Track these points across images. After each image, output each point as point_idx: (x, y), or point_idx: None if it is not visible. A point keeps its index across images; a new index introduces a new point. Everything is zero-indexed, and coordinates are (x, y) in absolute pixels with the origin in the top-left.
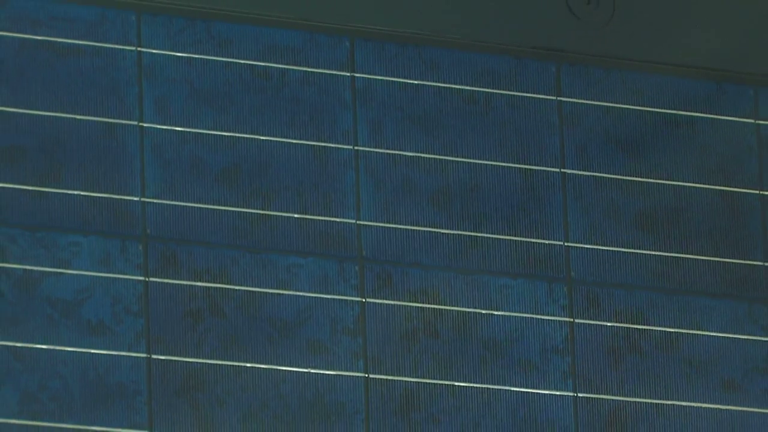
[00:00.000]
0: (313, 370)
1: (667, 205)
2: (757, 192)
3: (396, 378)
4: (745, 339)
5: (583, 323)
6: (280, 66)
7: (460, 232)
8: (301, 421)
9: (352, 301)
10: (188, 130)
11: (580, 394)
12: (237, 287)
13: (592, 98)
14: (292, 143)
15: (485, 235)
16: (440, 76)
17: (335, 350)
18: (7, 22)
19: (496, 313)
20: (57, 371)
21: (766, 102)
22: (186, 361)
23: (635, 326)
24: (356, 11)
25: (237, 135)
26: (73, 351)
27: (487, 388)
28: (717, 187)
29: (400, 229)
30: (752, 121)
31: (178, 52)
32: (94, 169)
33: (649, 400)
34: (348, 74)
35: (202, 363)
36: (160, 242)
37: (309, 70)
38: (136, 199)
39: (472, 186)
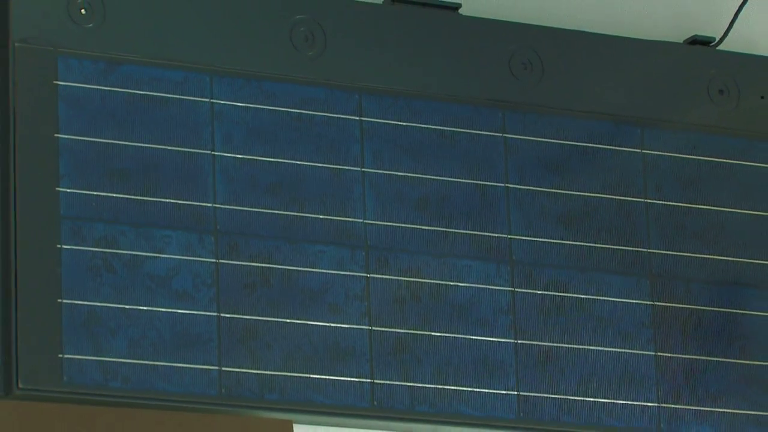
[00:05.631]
0: (332, 324)
1: (580, 210)
2: (642, 200)
3: (391, 330)
4: (635, 303)
5: (522, 292)
6: (310, 112)
7: (435, 228)
8: (324, 360)
9: (360, 276)
10: (246, 157)
11: (519, 341)
12: (280, 266)
13: (527, 135)
14: (318, 166)
15: (453, 230)
16: (422, 120)
17: (348, 311)
18: (118, 82)
19: (461, 284)
20: (154, 325)
21: (649, 137)
22: (244, 318)
23: (559, 294)
24: (364, 76)
25: (279, 160)
26: (166, 311)
27: (455, 337)
28: (615, 197)
29: (394, 226)
30: (639, 150)
31: (239, 102)
32: (180, 185)
33: (568, 346)
34: (357, 118)
35: (256, 319)
36: (226, 235)
37: (330, 115)
38: (209, 205)
39: (444, 196)
